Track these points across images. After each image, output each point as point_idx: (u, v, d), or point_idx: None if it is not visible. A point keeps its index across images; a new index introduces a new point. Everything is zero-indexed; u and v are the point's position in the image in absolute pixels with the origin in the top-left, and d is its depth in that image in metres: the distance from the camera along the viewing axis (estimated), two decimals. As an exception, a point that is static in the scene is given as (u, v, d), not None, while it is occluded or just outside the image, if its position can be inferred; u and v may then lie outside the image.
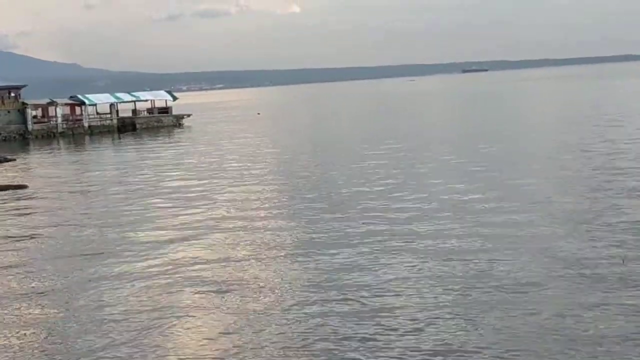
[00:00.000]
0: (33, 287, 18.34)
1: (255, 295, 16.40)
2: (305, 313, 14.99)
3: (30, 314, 16.21)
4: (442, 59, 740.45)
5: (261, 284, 17.27)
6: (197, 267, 19.25)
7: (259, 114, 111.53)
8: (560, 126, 56.16)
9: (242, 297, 16.39)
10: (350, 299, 15.68)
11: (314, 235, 22.17)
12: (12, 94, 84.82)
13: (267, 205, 28.29)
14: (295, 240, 21.81)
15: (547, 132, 53.02)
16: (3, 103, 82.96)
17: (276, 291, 16.65)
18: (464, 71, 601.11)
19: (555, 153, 38.74)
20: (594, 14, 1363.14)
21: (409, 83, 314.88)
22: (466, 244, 19.86)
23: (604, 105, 77.01)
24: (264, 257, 19.91)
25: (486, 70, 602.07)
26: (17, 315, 16.12)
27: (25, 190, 36.56)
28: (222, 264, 19.45)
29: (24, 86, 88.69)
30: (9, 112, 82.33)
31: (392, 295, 15.81)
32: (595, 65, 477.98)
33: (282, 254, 20.15)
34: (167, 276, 18.51)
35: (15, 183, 39.48)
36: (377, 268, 18.01)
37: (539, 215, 23.04)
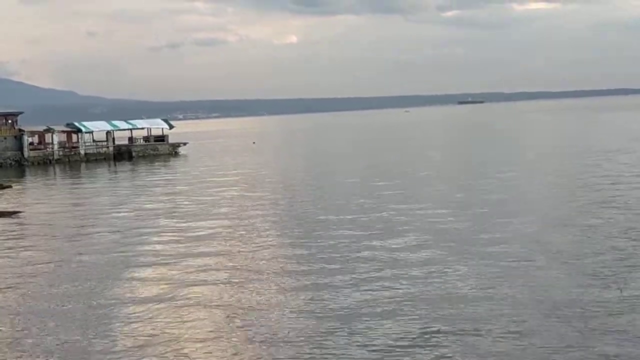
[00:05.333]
0: (24, 311, 18.33)
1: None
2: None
3: (21, 345, 16.17)
4: (438, 90, 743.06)
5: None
6: (192, 298, 19.30)
7: (254, 143, 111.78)
8: (556, 158, 56.38)
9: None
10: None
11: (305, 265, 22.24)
12: (9, 121, 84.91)
13: (259, 238, 28.34)
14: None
15: (544, 164, 53.18)
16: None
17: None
18: (460, 103, 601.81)
19: (553, 185, 38.94)
20: (587, 49, 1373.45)
21: (404, 114, 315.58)
22: (461, 279, 19.91)
23: (599, 137, 77.40)
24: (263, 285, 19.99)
25: (482, 102, 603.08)
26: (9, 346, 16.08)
27: (20, 217, 36.50)
28: (219, 298, 19.47)
29: (20, 113, 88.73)
30: (5, 138, 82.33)
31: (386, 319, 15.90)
32: (589, 99, 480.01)
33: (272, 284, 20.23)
34: (161, 307, 18.51)
35: (10, 209, 39.39)
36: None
37: (534, 247, 23.12)
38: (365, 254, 23.16)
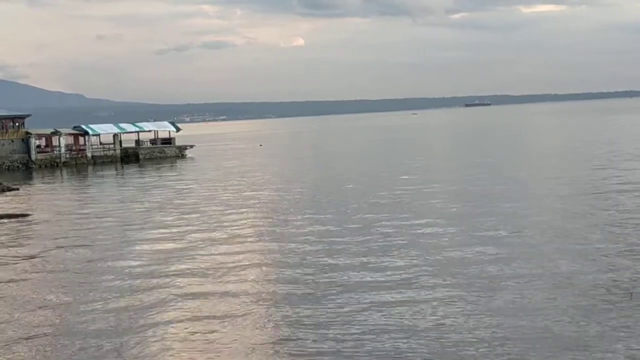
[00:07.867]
0: (29, 311, 18.30)
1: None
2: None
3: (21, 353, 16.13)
4: (445, 92, 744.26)
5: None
6: (194, 301, 19.26)
7: (260, 145, 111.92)
8: (562, 159, 56.20)
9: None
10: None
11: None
12: (16, 124, 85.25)
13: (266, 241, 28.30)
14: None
15: (551, 164, 53.02)
16: (7, 132, 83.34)
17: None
18: (467, 105, 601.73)
19: (564, 187, 38.76)
20: (594, 51, 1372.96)
21: (411, 117, 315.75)
22: (478, 277, 19.83)
23: (608, 139, 77.17)
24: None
25: (488, 104, 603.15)
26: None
27: (28, 219, 36.51)
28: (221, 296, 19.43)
29: (27, 116, 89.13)
30: (12, 141, 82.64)
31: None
32: (596, 101, 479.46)
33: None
34: (167, 311, 18.48)
35: (18, 212, 39.45)
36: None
37: (545, 248, 23.01)
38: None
